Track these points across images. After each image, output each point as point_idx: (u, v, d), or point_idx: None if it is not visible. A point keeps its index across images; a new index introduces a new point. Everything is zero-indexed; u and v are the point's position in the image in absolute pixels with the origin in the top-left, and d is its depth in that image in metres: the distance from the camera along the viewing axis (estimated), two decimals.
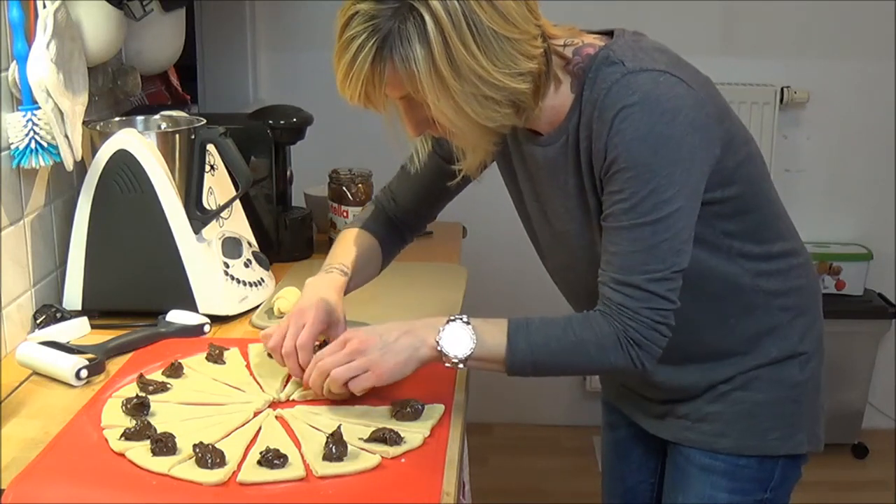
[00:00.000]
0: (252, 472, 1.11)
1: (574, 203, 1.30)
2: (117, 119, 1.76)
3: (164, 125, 1.78)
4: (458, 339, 1.23)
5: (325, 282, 1.41)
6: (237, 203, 1.79)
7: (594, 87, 1.21)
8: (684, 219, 1.21)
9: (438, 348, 1.23)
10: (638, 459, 1.62)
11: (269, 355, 1.40)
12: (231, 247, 1.72)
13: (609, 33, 1.29)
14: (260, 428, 1.23)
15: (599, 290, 1.25)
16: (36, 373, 1.42)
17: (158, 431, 1.17)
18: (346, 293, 1.43)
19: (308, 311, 1.34)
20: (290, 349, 1.32)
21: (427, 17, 1.11)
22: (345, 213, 2.06)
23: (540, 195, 1.36)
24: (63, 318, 1.59)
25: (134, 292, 1.65)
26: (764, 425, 1.40)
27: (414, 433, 1.20)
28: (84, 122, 1.60)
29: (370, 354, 1.24)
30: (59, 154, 1.53)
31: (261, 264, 1.78)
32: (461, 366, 1.24)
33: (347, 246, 1.50)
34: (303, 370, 1.30)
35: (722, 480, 1.42)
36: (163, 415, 1.26)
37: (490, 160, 1.30)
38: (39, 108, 1.50)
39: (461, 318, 1.25)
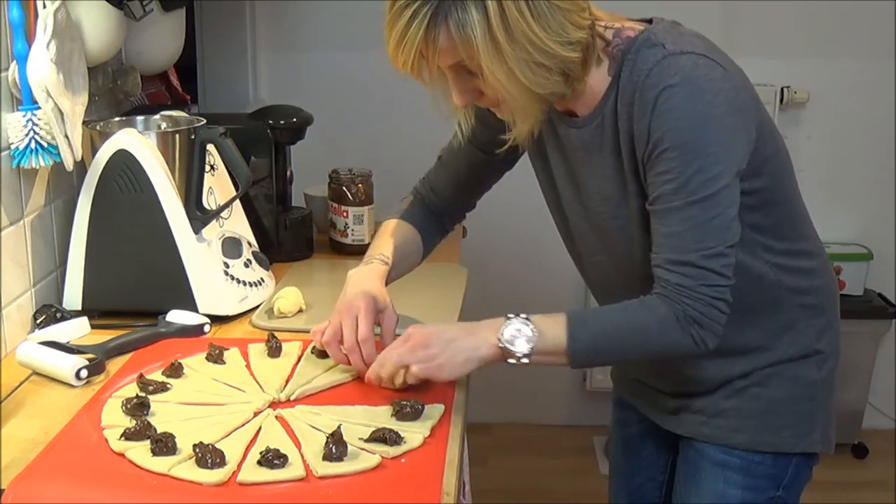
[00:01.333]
0: (252, 472, 1.11)
1: (611, 184, 1.31)
2: (117, 119, 1.76)
3: (164, 125, 1.78)
4: (519, 336, 1.25)
5: (366, 272, 1.43)
6: (237, 203, 1.79)
7: (634, 69, 1.24)
8: (731, 195, 1.23)
9: (501, 346, 1.25)
10: (648, 456, 1.63)
11: (313, 352, 1.44)
12: (231, 247, 1.72)
13: (644, 20, 1.31)
14: (260, 428, 1.23)
15: (654, 272, 1.26)
16: (36, 373, 1.42)
17: (158, 431, 1.17)
18: (387, 283, 1.45)
19: (357, 304, 1.35)
20: (352, 344, 1.34)
21: None
22: (345, 213, 2.06)
23: (576, 176, 1.37)
24: (63, 318, 1.59)
25: (134, 292, 1.65)
26: (780, 422, 1.41)
27: (414, 433, 1.20)
28: (84, 122, 1.60)
29: (431, 349, 1.27)
30: (59, 154, 1.53)
31: (261, 264, 1.78)
32: (525, 361, 1.26)
33: (388, 237, 1.52)
34: (366, 363, 1.33)
35: (736, 476, 1.42)
36: (163, 415, 1.26)
37: (538, 129, 1.31)
38: (39, 108, 1.50)
39: (521, 316, 1.27)
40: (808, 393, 1.42)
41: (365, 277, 1.42)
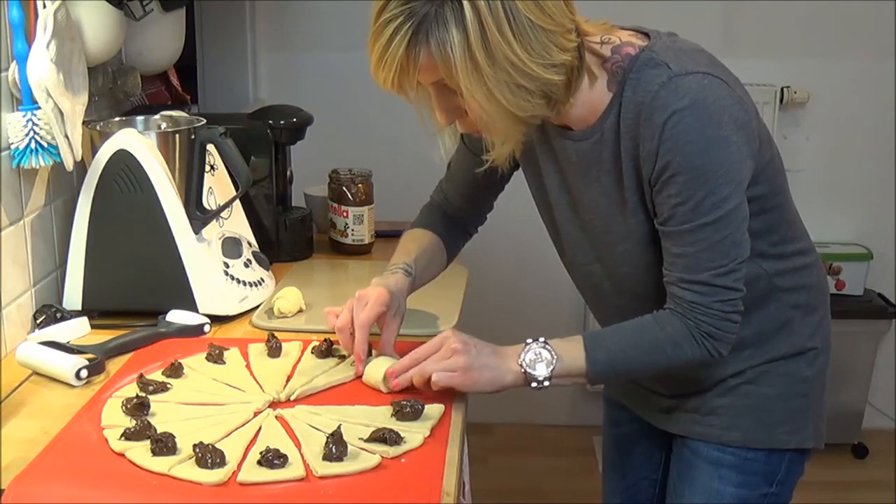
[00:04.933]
0: (252, 472, 1.11)
1: (608, 200, 1.32)
2: (117, 119, 1.76)
3: (164, 125, 1.78)
4: (539, 360, 1.28)
5: (390, 283, 1.43)
6: (237, 203, 1.79)
7: (637, 89, 1.23)
8: (741, 213, 1.25)
9: (522, 371, 1.28)
10: (641, 455, 1.63)
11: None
12: (231, 247, 1.72)
13: (638, 30, 1.31)
14: (260, 428, 1.23)
15: (667, 288, 1.29)
16: (36, 373, 1.42)
17: (158, 431, 1.17)
18: (411, 290, 1.47)
19: (372, 293, 1.38)
20: (345, 324, 1.36)
21: (465, 3, 1.13)
22: (345, 213, 2.06)
23: (571, 187, 1.37)
24: (63, 318, 1.59)
25: (134, 292, 1.65)
26: (773, 419, 1.42)
27: (414, 433, 1.20)
28: (84, 122, 1.60)
29: (465, 358, 1.28)
30: (59, 154, 1.53)
31: (261, 264, 1.78)
32: (546, 384, 1.29)
33: (410, 246, 1.53)
34: (356, 350, 1.35)
35: (730, 473, 1.43)
36: (163, 415, 1.26)
37: (519, 151, 1.31)
38: (39, 108, 1.50)
39: (539, 340, 1.29)
40: (801, 389, 1.43)
41: (394, 287, 1.42)
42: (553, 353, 1.28)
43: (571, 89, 1.23)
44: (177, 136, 1.68)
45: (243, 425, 1.24)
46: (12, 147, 1.51)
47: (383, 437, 1.17)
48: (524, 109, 1.19)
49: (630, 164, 1.27)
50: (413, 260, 1.49)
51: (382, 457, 1.15)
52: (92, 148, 1.64)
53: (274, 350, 1.47)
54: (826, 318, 1.46)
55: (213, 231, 1.70)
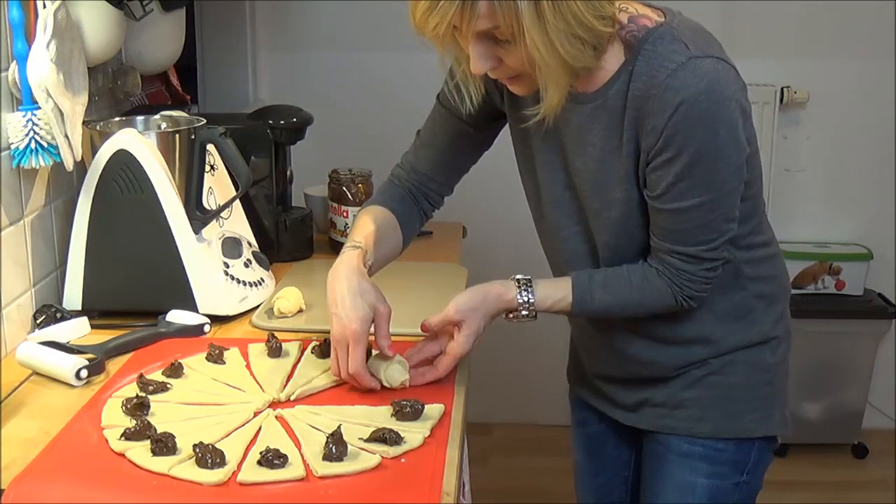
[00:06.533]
0: (252, 472, 1.11)
1: (601, 164, 1.33)
2: (117, 119, 1.76)
3: (164, 125, 1.78)
4: (520, 275, 1.39)
5: (343, 267, 1.36)
6: (237, 203, 1.79)
7: (652, 61, 1.24)
8: (736, 193, 1.29)
9: (509, 280, 1.39)
10: (611, 453, 1.65)
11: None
12: (231, 247, 1.72)
13: (649, 5, 1.32)
14: (260, 428, 1.23)
15: (655, 253, 1.34)
16: (36, 373, 1.42)
17: (158, 431, 1.17)
18: (370, 268, 1.41)
19: (347, 334, 1.32)
20: (346, 377, 1.34)
21: None
22: (345, 213, 2.06)
23: (564, 150, 1.38)
24: (63, 318, 1.59)
25: (134, 292, 1.65)
26: (740, 408, 1.44)
27: (414, 433, 1.20)
28: (84, 122, 1.60)
29: (477, 325, 1.37)
30: (59, 154, 1.53)
31: (261, 264, 1.78)
32: (529, 295, 1.37)
33: (361, 224, 1.47)
34: (369, 386, 1.34)
35: (701, 465, 1.45)
36: (163, 415, 1.26)
37: (561, 106, 1.29)
38: (39, 108, 1.50)
39: (523, 276, 1.40)
40: (765, 377, 1.45)
41: (349, 276, 1.35)
42: (535, 283, 1.39)
43: (610, 41, 1.26)
44: (177, 136, 1.68)
45: (243, 425, 1.24)
46: (12, 147, 1.51)
47: (383, 437, 1.17)
48: (578, 59, 1.21)
49: (631, 133, 1.28)
50: (363, 236, 1.43)
51: (382, 457, 1.15)
52: (92, 148, 1.64)
53: (274, 350, 1.47)
54: (787, 310, 1.49)
55: (213, 231, 1.70)
